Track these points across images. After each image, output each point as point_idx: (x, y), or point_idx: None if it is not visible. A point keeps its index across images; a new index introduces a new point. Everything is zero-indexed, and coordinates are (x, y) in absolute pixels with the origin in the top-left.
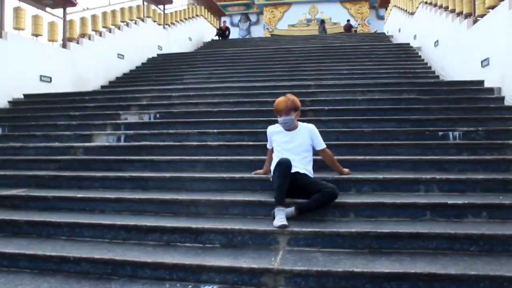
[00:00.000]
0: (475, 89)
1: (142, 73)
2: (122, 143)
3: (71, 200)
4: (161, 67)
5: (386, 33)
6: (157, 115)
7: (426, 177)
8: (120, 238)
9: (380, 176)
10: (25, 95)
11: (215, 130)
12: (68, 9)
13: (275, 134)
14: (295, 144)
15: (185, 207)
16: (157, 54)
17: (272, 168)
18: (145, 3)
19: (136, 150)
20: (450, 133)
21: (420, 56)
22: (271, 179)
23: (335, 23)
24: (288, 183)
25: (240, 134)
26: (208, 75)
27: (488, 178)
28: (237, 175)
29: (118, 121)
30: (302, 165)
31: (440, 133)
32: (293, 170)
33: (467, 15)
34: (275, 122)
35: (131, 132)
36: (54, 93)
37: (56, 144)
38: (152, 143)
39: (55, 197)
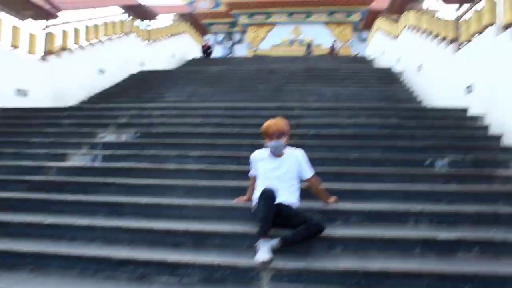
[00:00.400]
0: (460, 116)
1: (123, 90)
2: (98, 164)
3: (39, 226)
4: (142, 84)
5: (369, 55)
6: (136, 135)
7: (416, 209)
8: (90, 270)
9: (368, 207)
10: None
11: (195, 153)
12: (50, 21)
13: (261, 161)
14: (282, 172)
15: (162, 237)
16: (140, 70)
17: (255, 196)
18: (129, 18)
19: (113, 172)
20: (438, 162)
21: (403, 81)
22: (252, 210)
23: (317, 45)
24: (273, 213)
25: (222, 158)
26: (190, 94)
27: (478, 211)
28: (218, 203)
29: (95, 140)
30: (289, 194)
31: (427, 161)
32: (279, 199)
33: (452, 41)
34: (259, 146)
35: (108, 152)
36: (30, 108)
37: (28, 163)
38: (130, 165)
39: (22, 222)
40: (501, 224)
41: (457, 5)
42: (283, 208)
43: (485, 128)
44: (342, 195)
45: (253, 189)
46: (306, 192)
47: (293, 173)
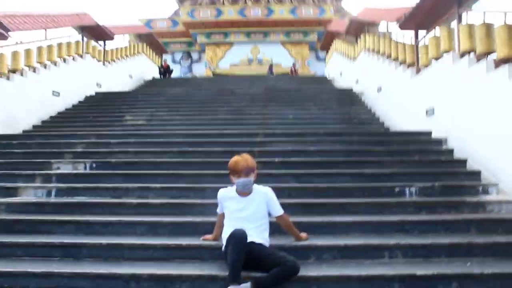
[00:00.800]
0: (424, 140)
1: (79, 113)
2: (52, 199)
3: None
4: (99, 107)
5: (328, 75)
6: (94, 165)
7: (390, 243)
8: None
9: (341, 242)
10: None
11: (157, 185)
12: None
13: (227, 200)
14: (249, 212)
15: (125, 283)
16: (96, 92)
17: (224, 235)
18: (85, 39)
19: (69, 208)
20: (407, 189)
21: (363, 102)
22: (222, 249)
23: (276, 64)
24: (243, 257)
25: (186, 190)
26: (149, 118)
27: (452, 243)
28: (184, 242)
29: (49, 171)
30: (258, 234)
31: (397, 189)
32: (248, 239)
33: (411, 64)
34: (223, 175)
35: (64, 185)
36: None
37: None
38: (87, 199)
39: None
40: (476, 255)
41: (412, 32)
42: (255, 248)
43: (450, 152)
44: (313, 229)
45: (220, 226)
46: (275, 228)
47: (262, 212)
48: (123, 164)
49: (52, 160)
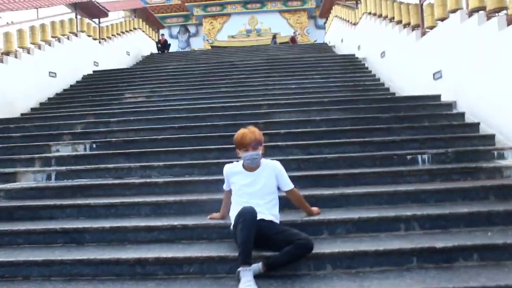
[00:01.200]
0: (433, 104)
1: (77, 93)
2: (52, 183)
3: None
4: (97, 86)
5: (328, 42)
6: (94, 145)
7: (406, 214)
8: None
9: (355, 215)
10: None
11: (160, 163)
12: None
13: (234, 175)
14: (258, 187)
15: (130, 268)
16: (93, 71)
17: (232, 214)
18: (79, 17)
19: (69, 191)
20: (419, 157)
21: (367, 68)
22: (231, 228)
23: (275, 33)
24: (253, 237)
25: (190, 167)
26: (149, 94)
27: (471, 212)
28: (190, 223)
29: (48, 154)
30: (268, 210)
31: (409, 156)
32: (258, 217)
33: (415, 27)
34: (227, 150)
35: (63, 168)
36: None
37: None
38: (88, 182)
39: None
40: (497, 224)
41: None
42: (265, 225)
43: (461, 115)
44: (324, 202)
45: (227, 204)
46: (285, 203)
47: (271, 188)
48: (123, 143)
49: (51, 143)
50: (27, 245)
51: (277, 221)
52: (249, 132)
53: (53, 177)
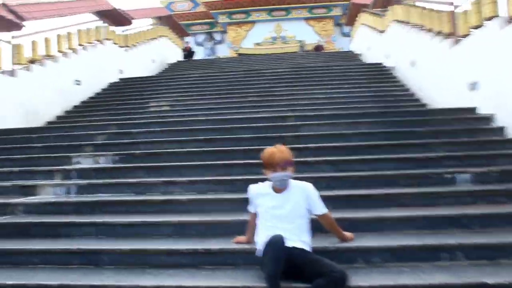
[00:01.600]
0: (469, 118)
1: (102, 101)
2: (71, 198)
3: None
4: (122, 94)
5: (354, 50)
6: (116, 158)
7: (449, 243)
8: None
9: (394, 243)
10: None
11: (183, 179)
12: (16, 33)
13: (261, 197)
14: (287, 210)
15: None
16: (119, 79)
17: (259, 239)
18: (105, 25)
19: (89, 207)
20: (459, 176)
21: (396, 77)
22: (256, 253)
23: (300, 41)
24: (282, 269)
25: (214, 183)
26: (173, 103)
27: None
28: (214, 247)
29: (68, 167)
30: (297, 236)
31: (447, 175)
32: (288, 244)
33: (448, 35)
34: (254, 165)
35: (84, 182)
36: None
37: None
38: (108, 197)
39: None
40: None
41: None
42: (296, 254)
43: (501, 130)
44: (357, 226)
45: (253, 228)
46: (315, 225)
47: (301, 211)
48: (146, 155)
49: (72, 154)
50: (42, 266)
51: (309, 249)
52: (278, 151)
53: (72, 191)
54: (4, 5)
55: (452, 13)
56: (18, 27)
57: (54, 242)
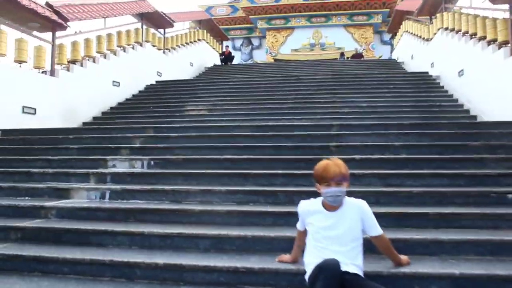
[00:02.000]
0: None
1: (139, 103)
2: (105, 204)
3: None
4: (159, 96)
5: (397, 58)
6: (152, 163)
7: None
8: None
9: (456, 270)
10: (2, 131)
11: (222, 188)
12: (58, 33)
13: (311, 215)
14: (341, 231)
15: None
16: (156, 81)
17: (307, 260)
18: (144, 27)
19: (123, 214)
20: None
21: (442, 86)
22: (305, 276)
23: (339, 48)
24: None
25: (254, 194)
26: (211, 107)
27: None
28: (255, 266)
29: (104, 170)
30: (350, 260)
31: (510, 195)
32: (342, 267)
33: (502, 44)
34: (296, 176)
35: (118, 187)
36: (35, 129)
37: (23, 203)
38: (143, 205)
39: None
40: None
41: (506, 6)
42: (349, 279)
43: None
44: (412, 248)
45: (300, 246)
46: (367, 247)
47: (356, 232)
48: (183, 161)
49: (108, 157)
50: (72, 276)
51: (361, 273)
52: (333, 164)
53: (107, 196)
54: (48, 5)
55: (510, 20)
56: (62, 27)
57: (85, 251)
